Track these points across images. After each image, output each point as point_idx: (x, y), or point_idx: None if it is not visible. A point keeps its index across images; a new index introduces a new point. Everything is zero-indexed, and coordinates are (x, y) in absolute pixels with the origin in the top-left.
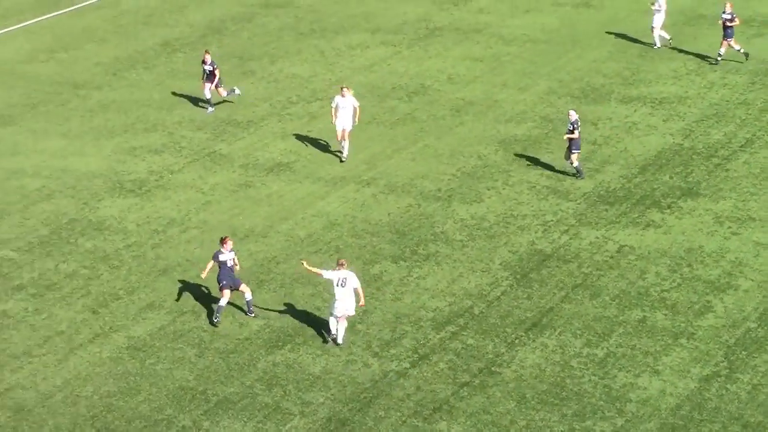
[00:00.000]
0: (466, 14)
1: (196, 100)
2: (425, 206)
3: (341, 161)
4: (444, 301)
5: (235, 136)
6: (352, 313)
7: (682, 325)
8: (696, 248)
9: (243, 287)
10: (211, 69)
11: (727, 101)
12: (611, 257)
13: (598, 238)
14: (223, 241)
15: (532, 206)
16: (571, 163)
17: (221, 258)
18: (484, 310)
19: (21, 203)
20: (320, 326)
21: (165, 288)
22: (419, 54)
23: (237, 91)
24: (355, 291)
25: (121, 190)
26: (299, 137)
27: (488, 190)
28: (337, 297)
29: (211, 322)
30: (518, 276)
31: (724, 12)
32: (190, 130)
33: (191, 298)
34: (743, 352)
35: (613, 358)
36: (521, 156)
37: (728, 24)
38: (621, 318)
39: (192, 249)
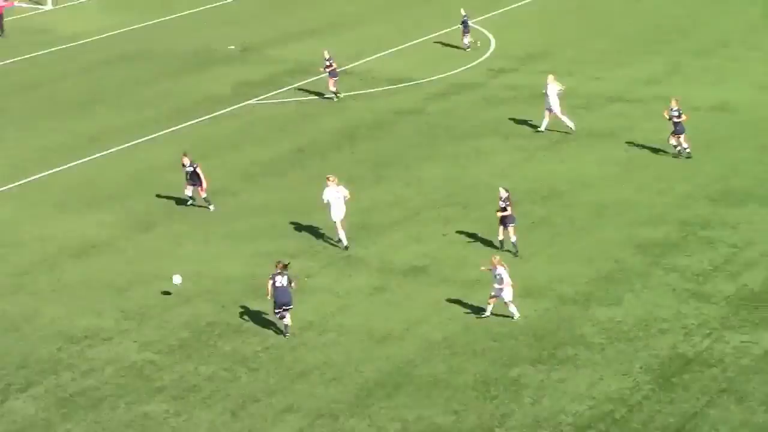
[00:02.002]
0: (599, 118)
1: (329, 206)
2: (563, 309)
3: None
4: (584, 405)
5: (370, 240)
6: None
7: None
8: None
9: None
10: (192, 169)
11: None
12: (757, 361)
13: (743, 342)
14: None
15: (673, 310)
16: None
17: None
18: (625, 415)
19: (161, 306)
20: (457, 429)
21: (303, 391)
22: (552, 158)
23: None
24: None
25: (258, 293)
26: (434, 241)
27: (627, 293)
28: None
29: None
30: (660, 380)
31: (671, 108)
32: (325, 234)
33: (329, 401)
34: None
35: None
36: (660, 259)
37: (676, 120)
38: None
39: (329, 352)
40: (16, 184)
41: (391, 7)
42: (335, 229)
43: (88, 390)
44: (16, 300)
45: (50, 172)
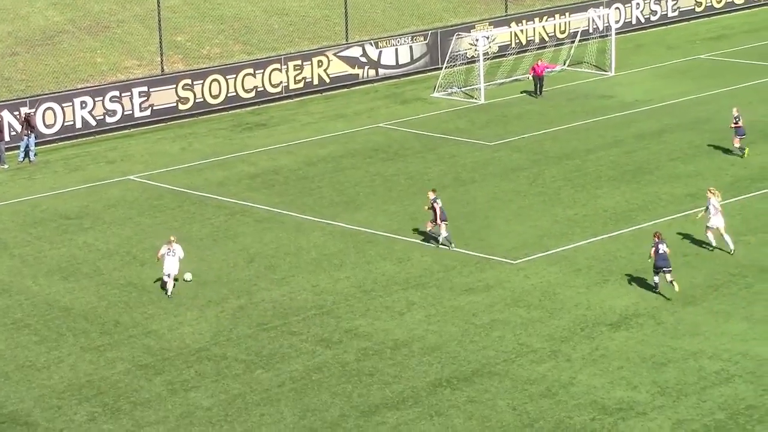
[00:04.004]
0: None
1: None
2: None
3: None
4: None
5: None
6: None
7: None
8: None
9: None
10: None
11: None
12: None
13: None
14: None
15: None
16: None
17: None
18: None
19: (699, 385)
20: None
21: None
22: None
23: None
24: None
25: None
26: None
27: None
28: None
29: None
30: None
31: None
32: None
33: None
34: None
35: None
36: None
37: None
38: None
39: None
40: (559, 249)
41: None
42: None
43: None
44: (554, 366)
45: (599, 238)
